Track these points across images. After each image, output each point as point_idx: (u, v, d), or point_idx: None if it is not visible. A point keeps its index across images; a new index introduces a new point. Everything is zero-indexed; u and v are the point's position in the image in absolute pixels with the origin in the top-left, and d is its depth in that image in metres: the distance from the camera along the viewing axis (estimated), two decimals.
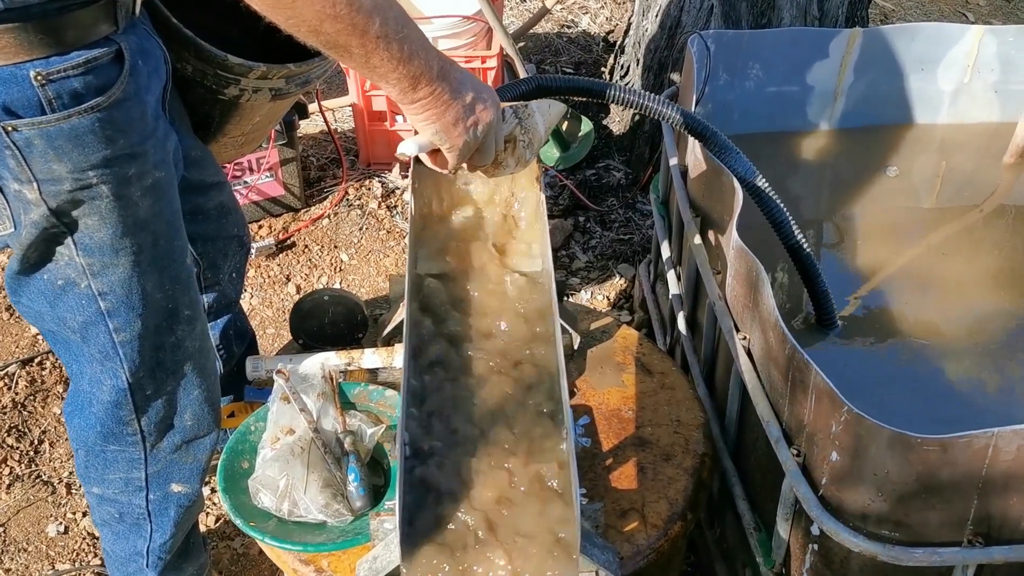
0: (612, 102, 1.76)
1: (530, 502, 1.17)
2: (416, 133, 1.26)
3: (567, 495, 1.17)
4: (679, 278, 2.18)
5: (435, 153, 1.24)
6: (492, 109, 1.24)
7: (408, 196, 1.45)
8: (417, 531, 1.15)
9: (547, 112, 1.39)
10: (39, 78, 1.19)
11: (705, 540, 1.97)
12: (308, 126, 3.20)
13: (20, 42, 1.18)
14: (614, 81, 3.28)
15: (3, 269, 2.61)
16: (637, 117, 3.13)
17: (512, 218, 1.50)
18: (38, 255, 1.34)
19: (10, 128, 1.21)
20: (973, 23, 4.28)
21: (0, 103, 1.20)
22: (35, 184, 1.26)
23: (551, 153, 3.07)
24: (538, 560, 1.12)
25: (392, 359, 1.63)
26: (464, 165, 1.28)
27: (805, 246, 1.77)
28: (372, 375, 1.68)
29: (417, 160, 1.35)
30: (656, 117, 1.78)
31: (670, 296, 2.20)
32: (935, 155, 2.44)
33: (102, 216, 1.31)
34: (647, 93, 1.76)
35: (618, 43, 3.34)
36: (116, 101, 1.27)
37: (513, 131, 1.31)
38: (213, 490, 2.13)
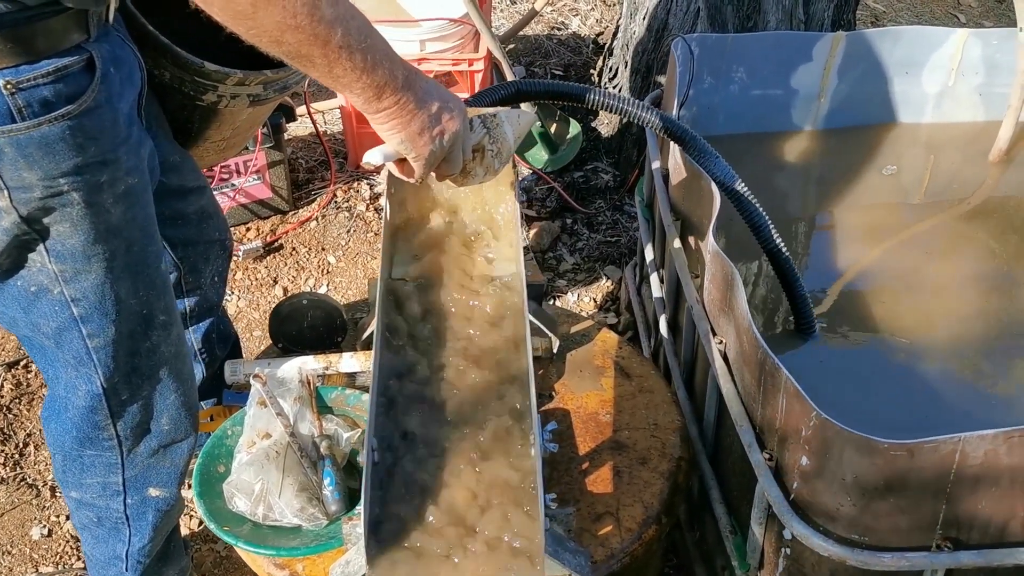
0: (591, 106, 1.77)
1: (497, 507, 1.18)
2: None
3: (533, 500, 1.17)
4: (662, 281, 2.19)
5: (402, 162, 1.24)
6: (458, 118, 1.24)
7: (383, 201, 1.45)
8: (384, 536, 1.16)
9: (516, 122, 1.39)
10: (8, 86, 1.20)
11: (686, 542, 1.97)
12: (297, 128, 3.20)
13: None
14: (602, 83, 3.29)
15: None
16: (625, 120, 3.13)
17: (486, 223, 1.51)
18: (11, 262, 1.35)
19: None
20: (965, 24, 4.29)
21: None
22: (6, 192, 1.26)
23: (539, 155, 3.08)
24: (503, 564, 1.13)
25: (369, 363, 1.63)
26: (432, 174, 1.28)
27: (784, 250, 1.77)
28: (350, 379, 1.68)
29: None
30: (636, 121, 1.79)
31: (653, 299, 2.21)
32: (920, 155, 2.45)
33: (73, 223, 1.32)
34: (627, 97, 1.77)
35: (606, 45, 3.34)
36: (87, 109, 1.27)
37: (481, 140, 1.31)
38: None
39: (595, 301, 2.75)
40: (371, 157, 1.21)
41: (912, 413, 1.78)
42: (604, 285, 2.78)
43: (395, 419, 1.27)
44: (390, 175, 1.47)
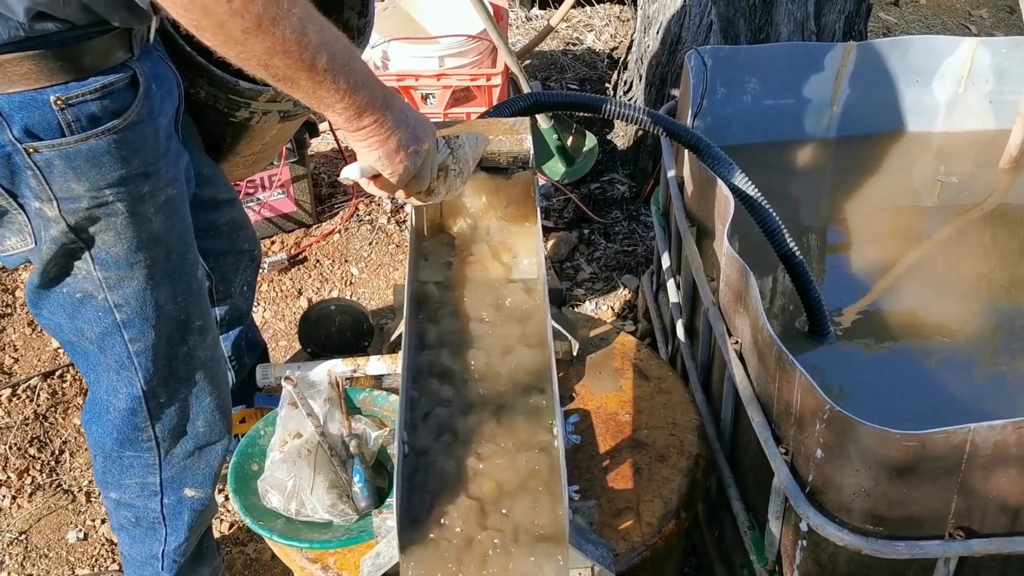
0: (608, 116, 1.83)
1: (523, 498, 1.23)
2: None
3: (557, 491, 1.22)
4: (678, 287, 2.24)
5: (376, 178, 1.30)
6: (429, 138, 1.30)
7: (409, 208, 1.51)
8: (416, 527, 1.21)
9: (475, 144, 1.46)
10: (59, 102, 1.27)
11: (705, 542, 2.01)
12: (320, 144, 3.28)
13: (40, 68, 1.25)
14: (618, 96, 3.35)
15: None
16: (640, 132, 3.19)
17: (508, 228, 1.56)
18: (57, 269, 1.42)
19: (32, 150, 1.29)
20: (976, 35, 4.33)
21: (22, 126, 1.27)
22: (55, 202, 1.33)
23: (556, 168, 3.14)
24: (528, 554, 1.18)
25: (396, 366, 1.69)
26: (401, 192, 1.34)
27: (797, 254, 1.82)
28: (377, 381, 1.74)
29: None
30: (651, 130, 1.85)
31: (670, 305, 2.26)
32: (932, 162, 2.49)
33: (117, 231, 1.39)
34: (642, 107, 1.83)
35: (621, 59, 3.41)
36: (131, 123, 1.34)
37: (445, 160, 1.37)
38: (227, 497, 2.19)
39: (613, 309, 2.80)
40: (349, 172, 1.26)
41: (926, 412, 1.82)
42: (622, 294, 2.83)
43: (423, 414, 1.32)
44: None
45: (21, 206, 1.35)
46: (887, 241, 2.28)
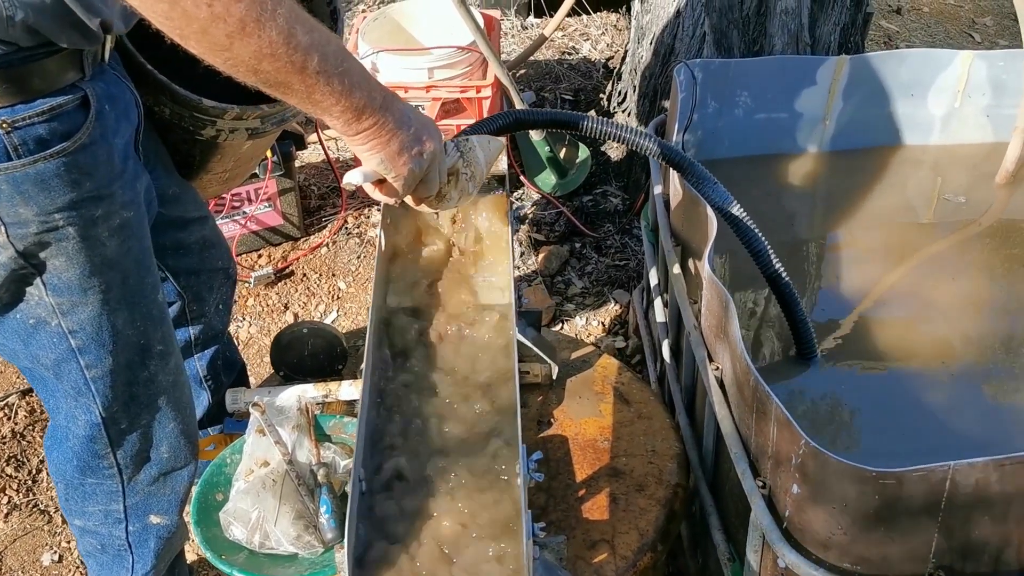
0: (587, 134, 1.78)
1: (484, 537, 1.18)
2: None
3: (518, 531, 1.18)
4: (665, 305, 2.19)
5: (381, 183, 1.25)
6: (435, 140, 1.25)
7: (378, 231, 1.47)
8: (367, 565, 1.16)
9: (487, 148, 1.40)
10: (4, 125, 1.23)
11: (689, 570, 1.96)
12: (309, 155, 3.24)
13: None
14: (611, 108, 3.31)
15: None
16: (626, 147, 3.14)
17: (479, 252, 1.52)
18: (9, 295, 1.38)
19: None
20: (980, 43, 4.27)
21: None
22: (2, 227, 1.29)
23: (548, 179, 3.09)
24: None
25: None
26: (409, 198, 1.29)
27: (784, 275, 1.77)
28: (349, 407, 1.70)
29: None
30: (633, 148, 1.80)
31: (657, 324, 2.21)
32: (928, 177, 2.43)
33: (69, 257, 1.35)
34: (623, 124, 1.77)
35: (615, 70, 3.36)
36: (81, 145, 1.30)
37: (455, 164, 1.32)
38: None
39: (603, 325, 2.75)
40: (351, 178, 1.22)
41: (917, 438, 1.76)
42: (612, 309, 2.78)
43: (384, 448, 1.27)
44: (385, 207, 1.49)
45: None
46: (881, 257, 2.22)
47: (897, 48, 4.02)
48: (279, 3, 1.05)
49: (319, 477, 1.54)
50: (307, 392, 1.66)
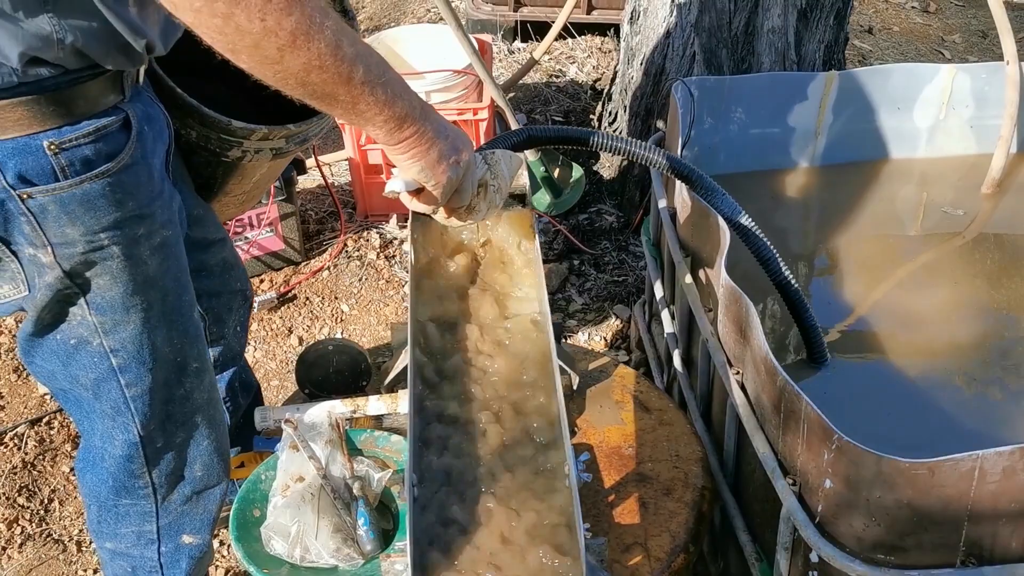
0: (600, 149, 1.83)
1: (535, 540, 1.21)
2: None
3: (571, 532, 1.21)
4: (673, 317, 2.23)
5: (418, 193, 1.28)
6: (469, 150, 1.29)
7: (408, 247, 1.50)
8: (427, 572, 1.19)
9: (510, 162, 1.45)
10: (52, 147, 1.25)
11: (710, 574, 1.99)
12: (306, 180, 3.27)
13: (34, 114, 1.24)
14: (602, 128, 3.37)
15: (11, 333, 2.65)
16: (626, 162, 3.21)
17: (508, 264, 1.55)
18: (52, 316, 1.39)
19: (25, 196, 1.27)
20: (950, 60, 4.40)
21: (16, 172, 1.25)
22: (49, 248, 1.31)
23: (544, 199, 3.14)
24: None
25: (396, 405, 1.67)
26: (442, 210, 1.33)
27: (793, 282, 1.82)
28: (377, 421, 1.72)
29: (415, 213, 1.40)
30: (643, 163, 1.85)
31: (665, 335, 2.25)
32: (915, 188, 2.51)
33: (113, 275, 1.36)
34: (634, 140, 1.83)
35: (605, 91, 3.43)
36: (124, 166, 1.33)
37: (484, 176, 1.36)
38: (221, 543, 2.16)
39: (606, 340, 2.79)
40: (393, 186, 1.25)
41: (924, 437, 1.81)
42: (613, 324, 2.83)
43: (430, 457, 1.30)
44: (414, 220, 1.52)
45: (14, 253, 1.33)
46: (875, 267, 2.29)
47: (871, 66, 4.14)
48: (326, 16, 1.09)
49: (354, 490, 1.55)
50: (336, 408, 1.67)
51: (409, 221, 1.52)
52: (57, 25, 1.19)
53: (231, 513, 1.57)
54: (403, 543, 1.43)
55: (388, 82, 1.16)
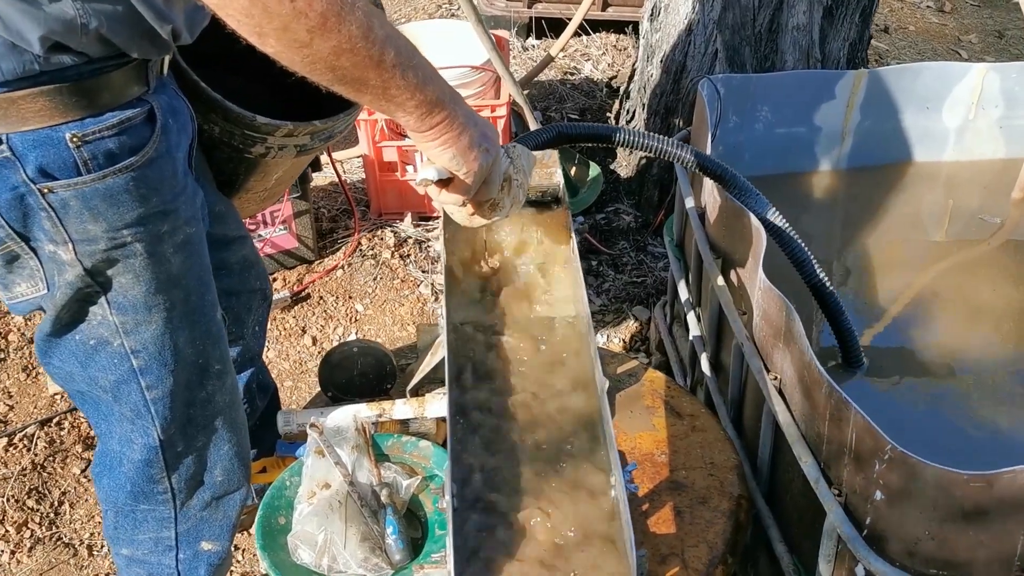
0: (629, 147, 1.78)
1: (585, 554, 1.16)
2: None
3: (620, 544, 1.15)
4: (699, 319, 2.18)
5: (448, 184, 1.23)
6: (496, 137, 1.24)
7: (439, 246, 1.45)
8: None
9: (528, 157, 1.39)
10: (75, 140, 1.20)
11: None
12: (318, 178, 3.21)
13: (55, 105, 1.19)
14: (619, 125, 3.32)
15: (20, 331, 2.59)
16: (644, 161, 3.15)
17: (545, 264, 1.50)
18: (71, 316, 1.34)
19: (46, 190, 1.22)
20: (967, 60, 4.35)
21: (36, 165, 1.20)
22: (70, 244, 1.26)
23: None
24: None
25: (423, 409, 1.62)
26: (469, 205, 1.27)
27: (828, 284, 1.77)
28: (403, 426, 1.67)
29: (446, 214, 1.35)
30: (675, 161, 1.79)
31: (691, 338, 2.20)
32: (942, 191, 2.46)
33: (136, 274, 1.31)
34: (664, 137, 1.77)
35: (623, 88, 3.38)
36: (149, 160, 1.27)
37: (507, 170, 1.30)
38: (236, 547, 2.10)
39: (624, 342, 2.74)
40: (426, 173, 1.19)
41: (961, 445, 1.77)
42: (632, 325, 2.78)
43: (468, 463, 1.25)
44: (445, 221, 1.47)
45: (34, 250, 1.28)
46: (903, 272, 2.24)
47: (888, 65, 4.10)
48: None
49: (382, 498, 1.50)
50: (361, 412, 1.62)
51: (441, 221, 1.46)
52: (81, 9, 1.13)
53: (256, 521, 1.51)
54: (439, 554, 1.38)
55: (418, 65, 1.11)
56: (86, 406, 1.49)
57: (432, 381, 1.69)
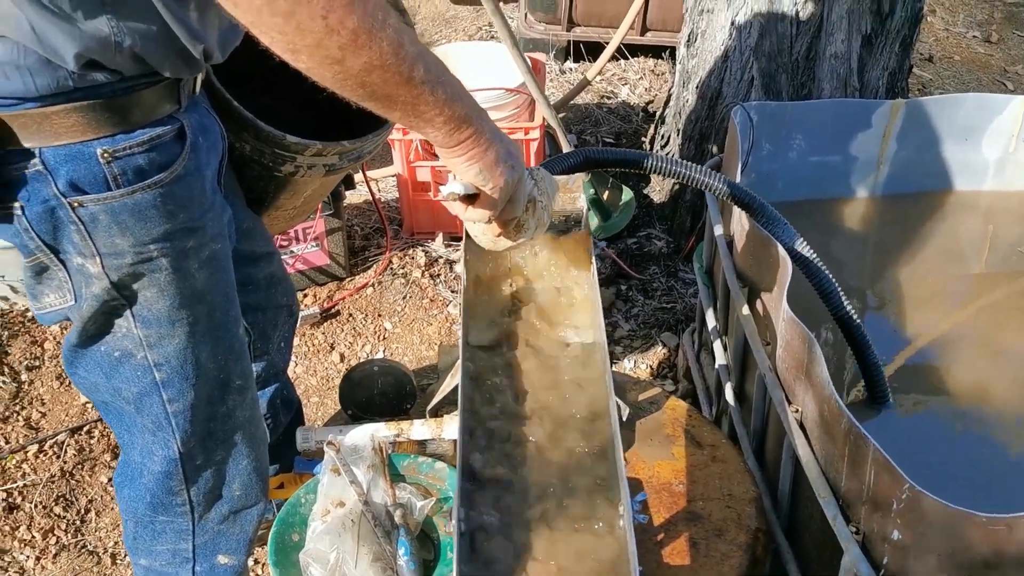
0: (657, 173, 1.78)
1: None
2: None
3: (623, 573, 1.15)
4: (725, 348, 2.16)
5: (471, 200, 1.24)
6: (520, 155, 1.25)
7: (460, 268, 1.46)
8: None
9: (550, 180, 1.39)
10: (105, 155, 1.23)
11: None
12: (353, 196, 3.24)
13: (88, 120, 1.21)
14: (654, 151, 3.31)
15: (56, 340, 2.65)
16: (677, 187, 3.15)
17: (564, 290, 1.50)
18: (96, 327, 1.37)
19: (76, 204, 1.25)
20: (1013, 91, 4.29)
21: (67, 180, 1.23)
22: (98, 258, 1.29)
23: (592, 222, 3.09)
24: None
25: (441, 431, 1.62)
26: (494, 224, 1.28)
27: (855, 317, 1.75)
28: (421, 447, 1.67)
29: (467, 235, 1.35)
30: (704, 188, 1.79)
31: (716, 366, 2.18)
32: (980, 222, 2.42)
33: (161, 288, 1.34)
34: (692, 164, 1.77)
35: (658, 113, 3.37)
36: (177, 176, 1.30)
37: (531, 191, 1.31)
38: (256, 561, 2.11)
39: (651, 368, 2.72)
40: (452, 187, 1.20)
41: (987, 483, 1.73)
42: (660, 352, 2.76)
43: (480, 489, 1.25)
44: (467, 243, 1.48)
45: (62, 262, 1.31)
46: (937, 301, 2.20)
47: (931, 95, 4.05)
48: (388, 13, 1.04)
49: (396, 518, 1.51)
50: (379, 431, 1.63)
51: (463, 243, 1.47)
52: (116, 27, 1.16)
53: (270, 536, 1.52)
54: None
55: (447, 82, 1.12)
56: (110, 417, 1.51)
57: (451, 402, 1.69)
